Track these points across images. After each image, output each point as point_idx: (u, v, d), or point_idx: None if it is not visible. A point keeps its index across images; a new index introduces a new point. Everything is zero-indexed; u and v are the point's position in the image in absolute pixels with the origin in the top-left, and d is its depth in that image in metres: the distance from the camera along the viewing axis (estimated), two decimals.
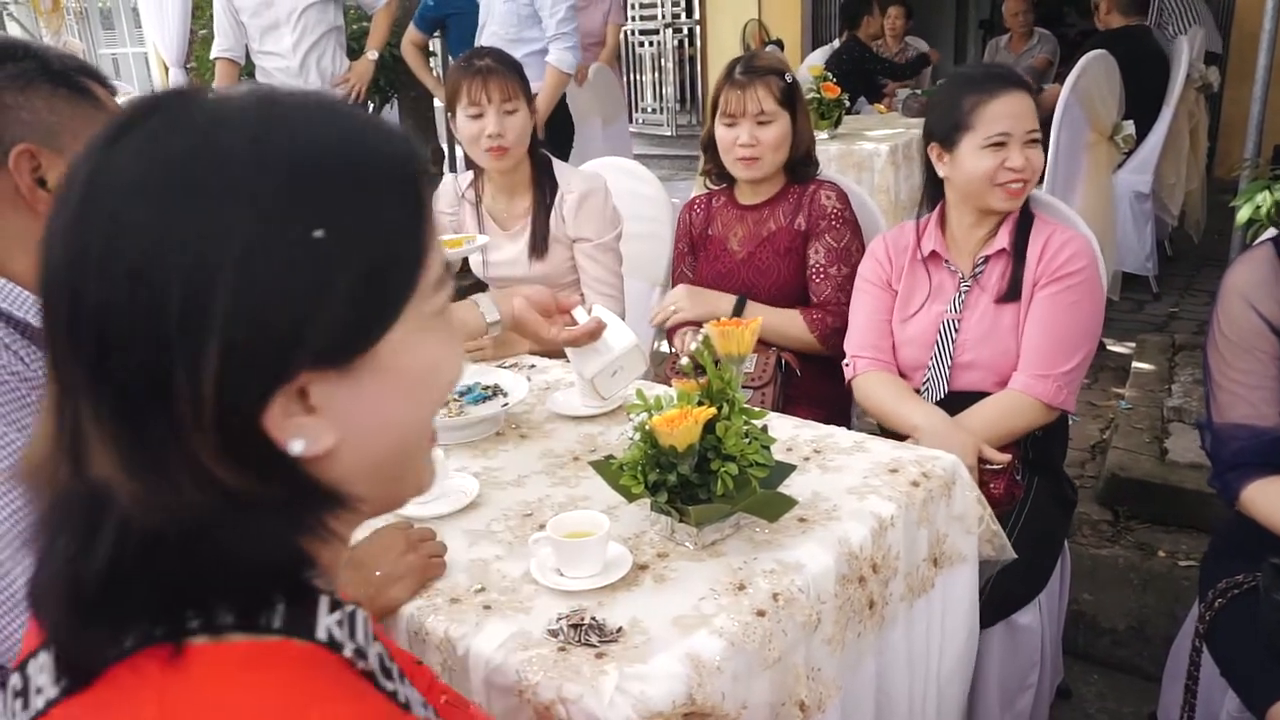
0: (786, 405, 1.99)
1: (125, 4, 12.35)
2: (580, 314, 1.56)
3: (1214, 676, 1.45)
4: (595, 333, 1.54)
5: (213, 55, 4.21)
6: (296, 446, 0.55)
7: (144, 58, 11.30)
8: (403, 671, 0.67)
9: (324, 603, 0.59)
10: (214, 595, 0.55)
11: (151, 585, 0.54)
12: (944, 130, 1.78)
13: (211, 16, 4.25)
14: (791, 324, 2.06)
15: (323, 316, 0.53)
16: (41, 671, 0.56)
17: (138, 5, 5.84)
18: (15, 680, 0.58)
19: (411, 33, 4.45)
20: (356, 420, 0.58)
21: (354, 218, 0.55)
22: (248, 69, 4.32)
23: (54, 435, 0.55)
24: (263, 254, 0.52)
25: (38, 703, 0.55)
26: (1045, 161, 1.76)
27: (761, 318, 1.46)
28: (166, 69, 5.33)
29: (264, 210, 0.52)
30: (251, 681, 0.53)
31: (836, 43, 6.23)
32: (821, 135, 4.15)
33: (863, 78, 5.75)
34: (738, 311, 2.09)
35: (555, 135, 3.95)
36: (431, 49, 4.92)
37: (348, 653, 0.59)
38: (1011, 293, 1.75)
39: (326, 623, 0.58)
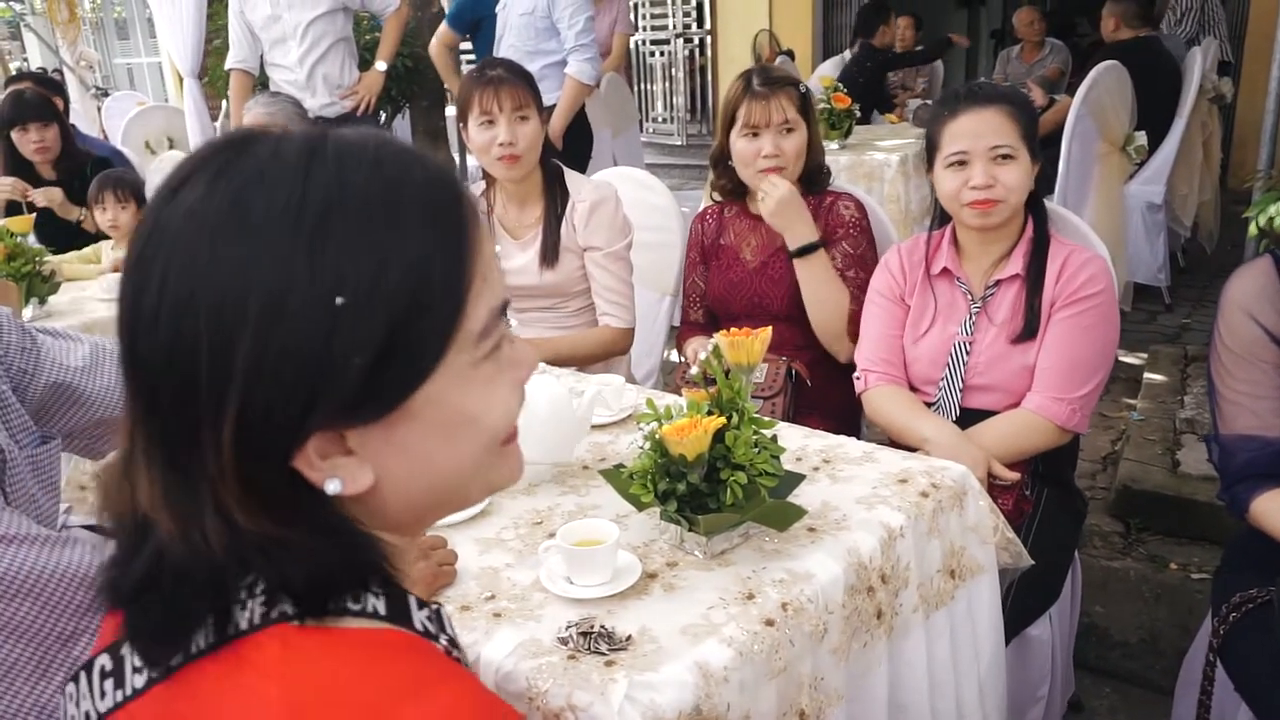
0: (797, 415, 1.98)
1: (141, 15, 12.47)
2: None
3: (1227, 691, 1.44)
4: None
5: (227, 66, 4.25)
6: (333, 486, 0.56)
7: (159, 68, 11.40)
8: None
9: (412, 600, 0.62)
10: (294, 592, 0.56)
11: (191, 601, 0.56)
12: (927, 151, 1.81)
13: (226, 27, 4.28)
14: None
15: (339, 383, 0.53)
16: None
17: (153, 16, 5.89)
18: (104, 661, 0.61)
19: (444, 32, 4.32)
20: (393, 462, 0.58)
21: (382, 277, 0.54)
22: (261, 80, 4.35)
23: (121, 458, 0.58)
24: (281, 314, 0.52)
25: (137, 681, 0.58)
26: (1022, 178, 1.71)
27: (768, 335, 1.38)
28: (181, 79, 5.38)
29: (288, 267, 0.52)
30: (371, 661, 0.55)
31: (847, 53, 6.25)
32: (832, 146, 4.16)
33: (879, 85, 5.76)
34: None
35: (574, 145, 3.95)
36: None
37: (441, 644, 0.62)
38: (1028, 330, 1.72)
39: (418, 617, 0.61)
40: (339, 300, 0.52)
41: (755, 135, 2.05)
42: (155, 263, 0.54)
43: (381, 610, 0.59)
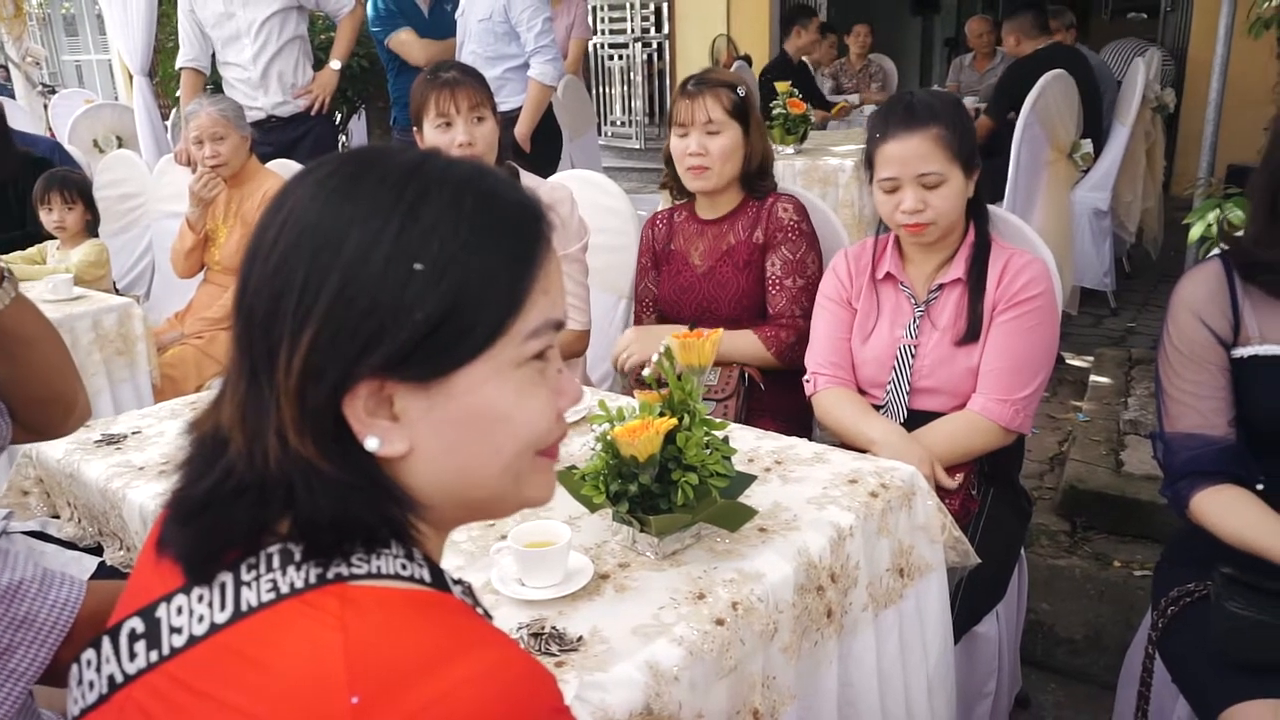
0: (749, 418, 2.00)
1: (89, 11, 12.21)
2: None
3: (1166, 683, 1.47)
4: None
5: (177, 65, 4.17)
6: (372, 443, 0.63)
7: (108, 65, 11.17)
8: None
9: (447, 575, 0.69)
10: (346, 545, 0.63)
11: (243, 516, 0.63)
12: (865, 165, 1.83)
13: (177, 26, 4.21)
14: (748, 345, 2.06)
15: (398, 331, 0.61)
16: (181, 612, 0.63)
17: (102, 13, 5.77)
18: (135, 624, 0.65)
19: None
20: (427, 437, 0.65)
21: (457, 258, 0.62)
22: (213, 79, 4.28)
23: (222, 384, 0.67)
24: (366, 263, 0.61)
25: (176, 640, 0.62)
26: (953, 199, 1.74)
27: (719, 336, 1.38)
28: (130, 77, 5.29)
29: (382, 227, 0.61)
30: (423, 618, 0.61)
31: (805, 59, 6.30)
32: (787, 150, 4.19)
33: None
34: None
35: (543, 147, 3.93)
36: None
37: (479, 613, 0.69)
38: (970, 333, 1.75)
39: (455, 590, 0.68)
40: (417, 266, 0.61)
41: (685, 134, 2.08)
42: (281, 210, 0.64)
43: (427, 579, 0.65)
